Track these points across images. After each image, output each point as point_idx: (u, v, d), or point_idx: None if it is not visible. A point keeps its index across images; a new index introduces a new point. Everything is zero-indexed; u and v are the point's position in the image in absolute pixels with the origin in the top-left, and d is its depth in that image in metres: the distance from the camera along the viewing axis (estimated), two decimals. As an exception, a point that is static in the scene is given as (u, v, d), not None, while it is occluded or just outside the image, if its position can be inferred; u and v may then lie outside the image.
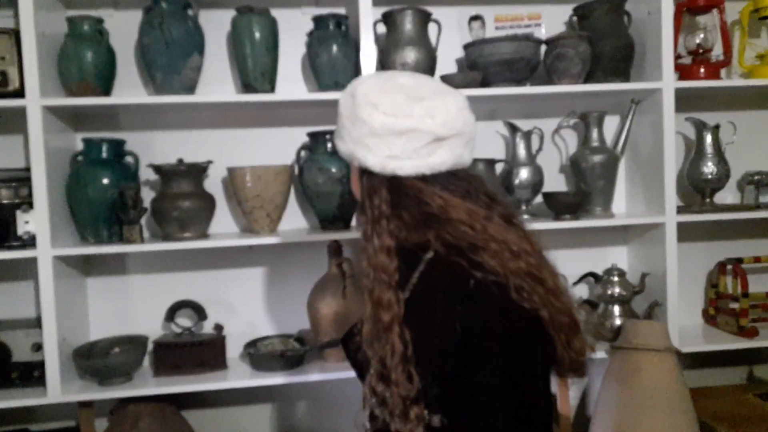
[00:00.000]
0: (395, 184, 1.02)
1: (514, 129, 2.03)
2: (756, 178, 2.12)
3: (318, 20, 1.91)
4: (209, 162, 1.89)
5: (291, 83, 2.04)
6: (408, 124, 0.99)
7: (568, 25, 2.13)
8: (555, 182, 2.16)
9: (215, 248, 1.97)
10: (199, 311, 1.91)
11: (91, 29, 1.80)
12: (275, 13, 1.89)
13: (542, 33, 2.11)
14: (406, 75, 1.09)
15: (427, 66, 1.89)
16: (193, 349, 1.85)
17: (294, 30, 2.00)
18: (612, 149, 2.04)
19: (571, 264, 2.11)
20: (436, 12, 1.94)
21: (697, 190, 2.11)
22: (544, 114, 2.13)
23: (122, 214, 1.77)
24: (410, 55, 1.86)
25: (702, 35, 2.07)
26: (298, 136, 1.97)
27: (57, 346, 1.71)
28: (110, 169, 1.81)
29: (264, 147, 2.03)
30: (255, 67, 1.85)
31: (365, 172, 1.05)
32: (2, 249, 1.75)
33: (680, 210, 2.00)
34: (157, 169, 1.83)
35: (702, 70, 2.05)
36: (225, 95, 1.97)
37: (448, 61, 2.10)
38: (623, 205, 2.19)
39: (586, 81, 1.97)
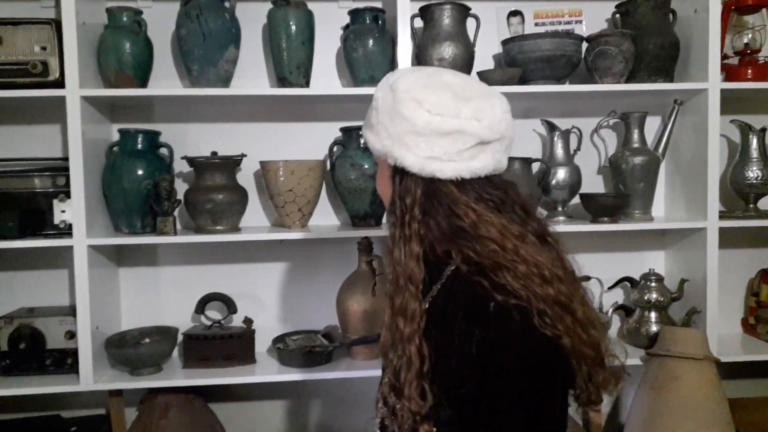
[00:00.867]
0: (431, 187, 0.96)
1: (552, 128, 1.98)
2: (803, 184, 2.04)
3: (354, 14, 1.90)
4: (243, 155, 1.88)
5: (325, 77, 2.02)
6: (454, 124, 0.93)
7: (610, 22, 2.07)
8: (592, 183, 2.10)
9: (246, 242, 1.97)
10: (229, 304, 1.91)
11: (129, 20, 1.81)
12: (311, 6, 1.87)
13: (583, 30, 2.06)
14: (450, 72, 1.03)
15: (465, 62, 1.86)
16: (222, 342, 1.86)
17: (330, 24, 1.99)
18: (653, 151, 1.98)
19: (606, 267, 2.07)
20: (474, 7, 1.90)
21: (740, 195, 2.04)
22: (582, 113, 2.08)
23: (156, 205, 1.78)
24: (448, 50, 1.83)
25: (750, 35, 2.00)
26: (332, 131, 1.95)
27: (90, 334, 1.73)
28: (145, 160, 1.82)
29: (297, 141, 2.02)
30: (290, 61, 1.83)
31: (399, 171, 0.99)
32: (39, 237, 1.77)
33: (722, 215, 1.93)
34: (191, 161, 1.83)
35: (749, 71, 1.98)
36: (260, 89, 1.96)
37: (484, 57, 2.06)
38: (662, 208, 2.13)
39: (629, 80, 1.92)
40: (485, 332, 0.88)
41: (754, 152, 2.00)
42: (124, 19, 1.81)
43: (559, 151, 1.98)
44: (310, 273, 2.06)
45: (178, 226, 1.95)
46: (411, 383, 0.91)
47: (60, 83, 1.71)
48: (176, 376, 1.82)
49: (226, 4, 1.83)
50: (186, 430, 1.75)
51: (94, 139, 1.82)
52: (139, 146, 1.84)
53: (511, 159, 1.87)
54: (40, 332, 1.78)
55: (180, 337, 1.93)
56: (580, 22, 2.08)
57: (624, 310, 2.04)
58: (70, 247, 1.72)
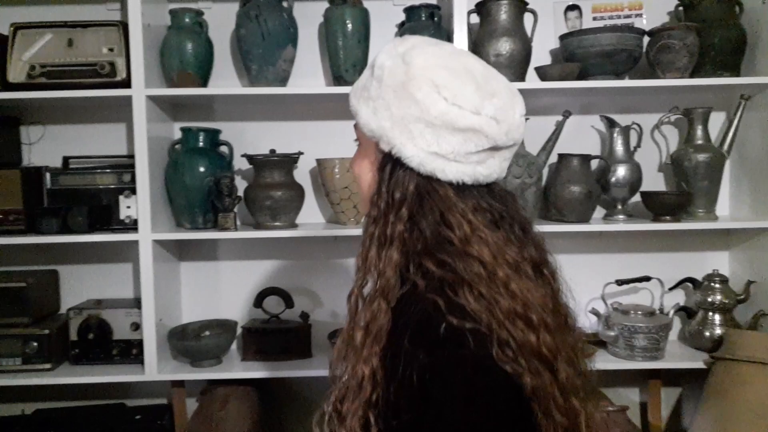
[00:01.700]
0: (426, 186, 0.83)
1: (611, 124, 1.94)
2: None
3: (410, 11, 1.90)
4: (300, 153, 1.91)
5: (380, 75, 2.02)
6: (473, 122, 0.80)
7: (673, 15, 2.01)
8: (653, 181, 2.04)
9: (302, 238, 1.99)
10: (286, 299, 1.94)
11: (191, 21, 1.86)
12: (367, 4, 1.88)
13: (643, 23, 2.01)
14: (472, 56, 0.88)
15: (522, 57, 1.83)
16: (279, 335, 1.89)
17: (384, 21, 1.99)
18: (718, 148, 1.92)
19: (668, 268, 2.01)
20: (531, 1, 1.87)
21: (811, 194, 1.95)
22: (642, 109, 2.02)
23: (218, 201, 1.82)
24: (505, 45, 1.81)
25: (823, 26, 1.90)
26: (387, 128, 1.96)
27: (154, 326, 1.79)
28: (206, 157, 1.87)
29: (353, 139, 2.02)
30: (346, 60, 1.85)
31: (393, 161, 0.84)
32: (106, 232, 1.84)
33: (792, 214, 1.85)
34: (250, 158, 1.87)
35: (822, 64, 1.89)
36: (316, 87, 1.98)
37: (540, 52, 2.02)
38: (726, 207, 2.05)
39: (693, 75, 1.86)
40: (430, 357, 0.73)
41: (827, 149, 1.91)
42: (186, 20, 1.86)
43: (619, 147, 1.93)
44: (363, 269, 2.07)
45: (238, 222, 1.99)
46: (356, 413, 0.79)
47: (126, 83, 1.77)
48: (235, 368, 1.86)
49: (284, 4, 1.86)
50: (244, 422, 1.79)
51: (158, 137, 1.87)
52: (201, 144, 1.89)
53: (569, 156, 1.88)
54: (107, 323, 1.85)
55: (238, 330, 1.97)
56: (640, 15, 2.02)
57: (686, 311, 1.99)
58: (135, 242, 1.78)
